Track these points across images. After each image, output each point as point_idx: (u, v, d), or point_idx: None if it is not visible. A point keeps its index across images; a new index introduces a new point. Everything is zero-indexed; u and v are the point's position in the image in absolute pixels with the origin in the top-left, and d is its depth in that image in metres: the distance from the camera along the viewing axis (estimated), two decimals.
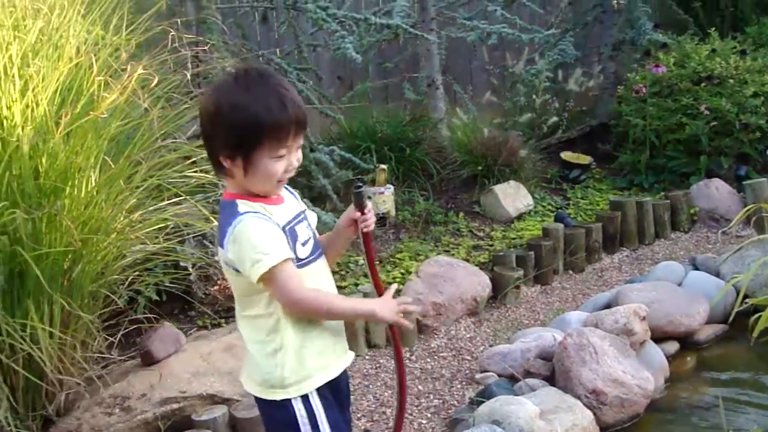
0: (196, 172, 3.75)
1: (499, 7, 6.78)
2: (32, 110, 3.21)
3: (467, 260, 5.17)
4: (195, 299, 4.25)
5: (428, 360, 4.32)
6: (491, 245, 5.52)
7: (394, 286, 2.50)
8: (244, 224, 2.17)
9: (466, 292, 4.77)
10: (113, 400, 3.48)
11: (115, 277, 3.66)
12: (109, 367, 3.76)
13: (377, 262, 5.02)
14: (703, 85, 6.61)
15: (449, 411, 3.79)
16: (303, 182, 5.03)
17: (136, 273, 3.75)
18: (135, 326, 3.79)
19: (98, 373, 3.56)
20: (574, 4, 8.00)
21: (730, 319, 4.11)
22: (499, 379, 3.85)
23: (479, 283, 4.87)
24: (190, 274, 4.15)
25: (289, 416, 2.28)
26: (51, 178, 3.24)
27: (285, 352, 2.26)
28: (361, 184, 2.42)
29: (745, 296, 3.98)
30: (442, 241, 5.51)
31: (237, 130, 2.16)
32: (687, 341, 4.33)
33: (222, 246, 2.23)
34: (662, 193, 6.42)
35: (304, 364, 2.28)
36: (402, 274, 4.90)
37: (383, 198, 5.58)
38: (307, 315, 2.29)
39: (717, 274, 4.78)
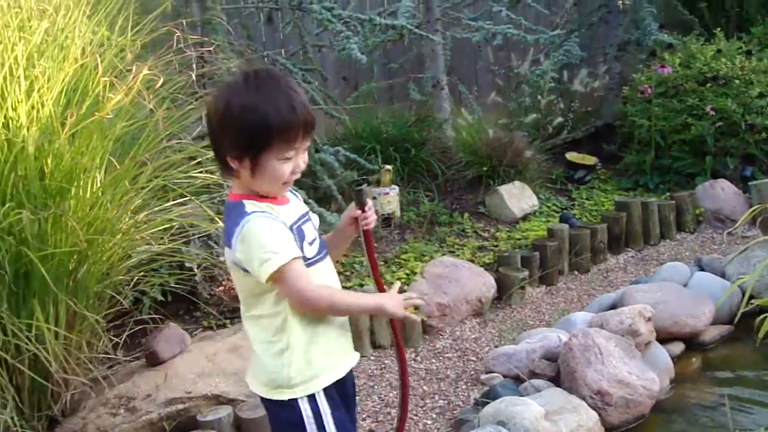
0: (201, 172, 3.76)
1: (504, 7, 6.78)
2: (38, 111, 3.22)
3: (472, 261, 5.17)
4: (200, 300, 4.26)
5: (433, 361, 4.32)
6: (496, 246, 5.52)
7: (398, 283, 2.51)
8: (252, 223, 2.17)
9: (471, 292, 4.77)
10: (118, 400, 3.49)
11: (121, 277, 3.66)
12: (115, 367, 3.76)
13: (382, 263, 5.03)
14: (708, 85, 6.60)
15: (454, 412, 3.78)
16: (308, 183, 5.03)
17: (142, 274, 3.76)
18: (140, 327, 3.80)
19: (103, 374, 3.56)
20: (579, 4, 7.99)
21: (736, 319, 4.10)
22: (504, 380, 3.85)
23: (484, 283, 4.87)
24: (195, 275, 4.16)
25: (295, 416, 2.28)
26: (56, 178, 3.25)
27: (292, 352, 2.26)
28: (361, 183, 2.42)
29: (751, 297, 3.96)
30: (447, 241, 5.51)
31: (246, 131, 2.16)
32: (692, 342, 4.33)
33: (230, 246, 2.23)
34: (667, 194, 6.41)
35: (312, 364, 2.28)
36: (407, 274, 4.89)
37: (388, 198, 5.57)
38: (317, 312, 2.30)
39: (722, 275, 4.78)
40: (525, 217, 5.96)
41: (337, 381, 2.35)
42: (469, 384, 4.05)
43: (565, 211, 6.15)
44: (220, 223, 3.79)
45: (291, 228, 2.26)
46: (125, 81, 3.40)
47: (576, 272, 5.49)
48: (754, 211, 4.30)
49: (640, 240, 5.89)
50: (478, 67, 8.01)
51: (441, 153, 6.40)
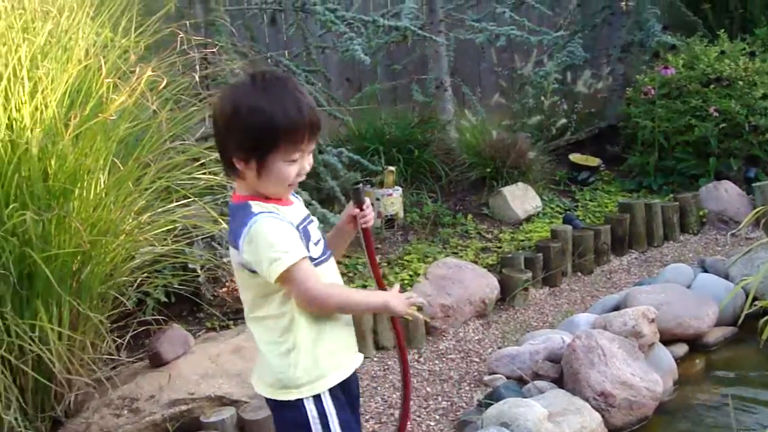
0: (204, 174, 3.76)
1: (507, 9, 6.78)
2: (41, 112, 3.22)
3: (475, 262, 5.17)
4: (203, 301, 4.26)
5: (436, 362, 4.32)
6: (499, 247, 5.51)
7: (398, 285, 2.53)
8: (260, 224, 2.18)
9: (475, 294, 4.77)
10: (122, 401, 3.49)
11: (124, 278, 3.67)
12: (118, 368, 3.76)
13: (385, 264, 5.03)
14: (712, 86, 6.60)
15: (457, 413, 3.78)
16: (311, 184, 5.04)
17: (145, 275, 3.76)
18: (144, 328, 3.80)
19: (107, 375, 3.56)
20: (582, 5, 7.99)
21: (740, 321, 4.09)
22: (507, 381, 3.84)
23: (487, 285, 4.87)
24: (198, 276, 4.16)
25: (300, 416, 2.29)
26: (60, 180, 3.25)
27: (298, 352, 2.27)
28: (359, 181, 2.44)
29: (755, 298, 3.96)
30: (450, 243, 5.51)
31: (253, 133, 2.17)
32: (696, 343, 4.32)
33: (237, 247, 2.24)
34: (671, 195, 6.40)
35: (318, 364, 2.29)
36: (410, 275, 4.89)
37: (391, 200, 5.58)
38: (325, 311, 2.31)
39: (726, 277, 4.77)
40: (528, 219, 5.96)
41: (343, 381, 2.35)
42: (472, 385, 4.05)
43: (568, 212, 6.15)
44: (224, 225, 3.79)
45: (297, 228, 2.27)
46: (129, 82, 3.40)
47: (579, 274, 5.49)
48: (757, 212, 4.30)
49: (644, 241, 5.88)
50: (481, 69, 8.01)
51: (444, 154, 6.40)
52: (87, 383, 3.41)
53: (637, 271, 5.50)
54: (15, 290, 3.17)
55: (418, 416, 3.78)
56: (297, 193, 2.52)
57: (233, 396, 3.56)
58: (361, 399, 3.31)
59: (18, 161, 3.14)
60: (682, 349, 4.25)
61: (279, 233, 2.19)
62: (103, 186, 3.44)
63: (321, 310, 2.30)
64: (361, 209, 2.45)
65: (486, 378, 3.98)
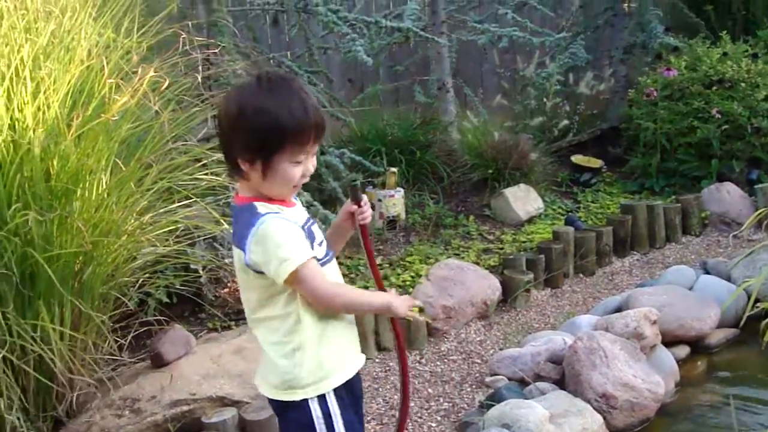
0: (206, 174, 3.76)
1: (509, 10, 6.79)
2: (44, 113, 3.22)
3: (477, 263, 5.17)
4: (205, 301, 4.26)
5: (438, 363, 4.32)
6: (501, 248, 5.51)
7: (394, 290, 2.55)
8: (267, 224, 2.19)
9: (476, 295, 4.77)
10: (123, 401, 3.49)
11: (126, 279, 3.67)
12: (120, 368, 3.76)
13: (387, 265, 5.03)
14: (714, 88, 6.60)
15: (459, 414, 3.78)
16: (313, 185, 5.04)
17: (147, 275, 3.77)
18: (145, 328, 3.81)
19: (108, 375, 3.57)
20: (585, 7, 7.99)
21: (742, 323, 4.10)
22: (509, 383, 3.84)
23: (489, 286, 4.87)
24: (200, 277, 4.16)
25: (305, 417, 2.29)
26: (62, 180, 3.26)
27: (304, 352, 2.27)
28: (356, 178, 2.45)
29: (757, 300, 3.97)
30: (452, 244, 5.51)
31: (259, 134, 2.17)
32: (698, 345, 4.31)
33: (242, 248, 2.23)
34: (673, 197, 6.40)
35: (323, 364, 2.30)
36: (412, 277, 4.90)
37: (393, 201, 5.58)
38: (332, 310, 2.32)
39: (728, 278, 4.77)
40: (530, 220, 5.96)
41: (346, 382, 2.36)
42: (473, 387, 4.04)
43: (570, 213, 6.15)
44: (226, 225, 3.80)
45: (302, 228, 2.28)
46: (131, 83, 3.41)
47: (581, 275, 5.49)
48: (759, 214, 4.31)
49: (646, 243, 5.88)
50: (483, 70, 8.02)
51: (446, 155, 6.40)
52: (88, 383, 3.41)
53: (639, 273, 5.50)
54: (17, 290, 3.18)
55: (420, 417, 3.78)
56: (298, 194, 2.52)
57: (235, 396, 3.56)
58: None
59: (20, 161, 3.15)
60: (683, 350, 4.24)
61: (287, 233, 2.20)
62: (105, 186, 3.44)
63: (327, 310, 2.31)
64: (359, 206, 2.45)
65: (487, 379, 3.98)
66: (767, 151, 6.53)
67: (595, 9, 7.92)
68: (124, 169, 3.42)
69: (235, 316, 4.26)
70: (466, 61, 7.74)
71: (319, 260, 2.30)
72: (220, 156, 3.66)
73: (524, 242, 5.61)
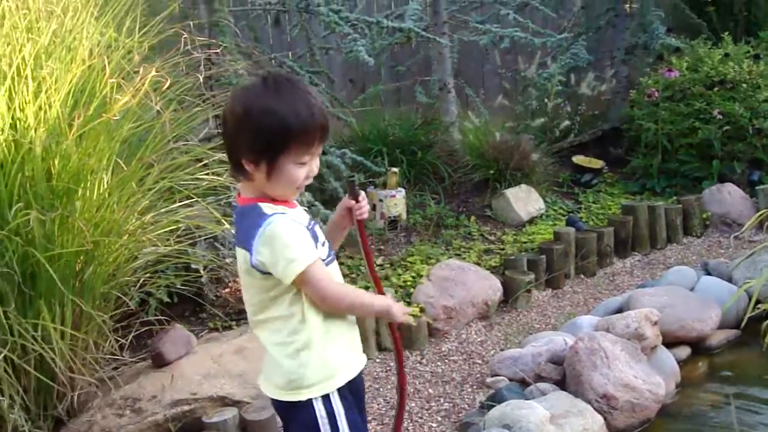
0: (207, 174, 3.76)
1: (511, 11, 6.78)
2: (45, 112, 3.23)
3: (478, 264, 5.17)
4: (206, 301, 4.26)
5: (439, 363, 4.32)
6: (502, 249, 5.51)
7: (390, 295, 2.57)
8: (274, 225, 2.19)
9: (477, 295, 4.77)
10: (124, 401, 3.49)
11: (127, 278, 3.67)
12: (121, 368, 3.77)
13: (389, 265, 5.03)
14: (716, 89, 6.60)
15: (460, 415, 3.78)
16: (315, 185, 5.03)
17: (148, 275, 3.77)
18: (146, 328, 3.81)
19: (109, 375, 3.57)
20: (586, 8, 7.99)
21: (743, 324, 4.11)
22: (509, 383, 3.84)
23: (490, 286, 4.87)
24: (201, 277, 4.16)
25: (310, 416, 2.30)
26: (63, 179, 3.26)
27: (309, 352, 2.28)
28: (354, 174, 2.46)
29: (758, 301, 3.97)
30: (453, 244, 5.51)
31: (265, 134, 2.17)
32: (699, 346, 4.31)
33: (248, 249, 2.23)
34: (674, 198, 6.41)
35: (327, 364, 2.31)
36: (413, 277, 4.90)
37: (395, 201, 5.58)
38: (339, 311, 2.34)
39: (729, 279, 4.77)
40: (531, 221, 5.96)
41: (349, 382, 2.37)
42: (474, 387, 4.04)
43: (571, 214, 6.15)
44: (227, 225, 3.80)
45: (307, 229, 2.29)
46: (132, 83, 3.41)
47: (582, 276, 5.49)
48: (761, 215, 4.31)
49: (647, 244, 5.88)
50: (485, 70, 8.02)
51: (447, 156, 6.40)
52: (89, 383, 3.41)
53: (640, 274, 5.50)
54: (18, 290, 3.18)
55: (420, 418, 3.78)
56: (299, 194, 2.53)
57: (235, 396, 3.56)
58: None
59: (22, 161, 3.15)
60: (684, 351, 4.24)
61: (294, 234, 2.21)
62: (106, 186, 3.44)
63: (335, 310, 2.33)
64: (357, 201, 2.47)
65: (488, 380, 3.98)
66: None
67: (597, 10, 7.92)
68: (125, 168, 3.43)
69: (236, 316, 4.26)
70: (468, 62, 7.74)
71: (323, 260, 2.31)
72: (221, 156, 3.67)
73: (525, 243, 5.61)
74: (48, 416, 3.39)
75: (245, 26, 6.23)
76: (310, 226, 2.32)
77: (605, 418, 3.51)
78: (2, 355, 3.08)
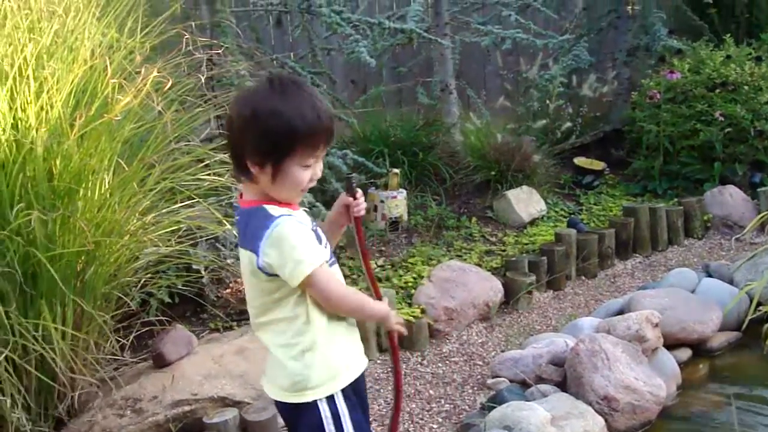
0: (209, 175, 3.76)
1: (513, 12, 6.78)
2: (47, 112, 3.23)
3: (479, 265, 5.17)
4: (207, 302, 4.26)
5: (440, 365, 4.32)
6: (504, 250, 5.51)
7: (386, 299, 2.57)
8: (282, 227, 2.19)
9: (479, 297, 4.77)
10: (125, 401, 3.49)
11: (128, 279, 3.67)
12: (121, 368, 3.77)
13: (390, 266, 5.03)
14: (717, 91, 6.59)
15: (460, 416, 3.78)
16: (316, 186, 4.99)
17: (149, 275, 3.77)
18: (147, 328, 3.81)
19: (110, 375, 3.57)
20: (588, 9, 7.99)
21: (744, 326, 4.10)
22: (510, 385, 3.84)
23: (491, 288, 4.87)
24: (202, 277, 4.16)
25: (315, 417, 2.30)
26: (65, 180, 3.26)
27: (313, 353, 2.29)
28: (351, 172, 2.46)
29: (759, 304, 3.96)
30: (454, 245, 5.50)
31: (272, 137, 2.17)
32: (700, 348, 4.31)
33: (255, 252, 2.22)
34: (676, 200, 6.41)
35: (332, 364, 2.32)
36: (414, 278, 4.89)
37: (396, 202, 5.58)
38: (341, 313, 2.35)
39: (730, 282, 4.77)
40: (533, 222, 5.96)
41: (352, 382, 2.38)
42: (475, 388, 4.04)
43: (572, 216, 6.15)
44: (228, 226, 3.80)
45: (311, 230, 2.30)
46: (134, 83, 3.41)
47: (583, 277, 5.49)
48: (762, 217, 4.30)
49: (648, 246, 5.88)
50: (486, 72, 8.02)
51: (449, 157, 6.40)
52: (90, 383, 3.41)
53: (641, 276, 5.50)
54: (20, 289, 3.18)
55: (421, 419, 3.78)
56: None
57: (236, 397, 3.56)
58: None
59: (23, 161, 3.15)
60: (685, 353, 4.24)
61: (302, 236, 2.22)
62: (107, 186, 3.45)
63: (335, 312, 2.34)
64: (355, 198, 2.47)
65: (489, 381, 3.98)
66: None
67: (599, 11, 7.92)
68: (126, 169, 3.43)
69: (237, 316, 4.26)
70: (469, 63, 7.74)
71: (326, 262, 2.31)
72: (222, 156, 3.68)
73: (526, 244, 5.61)
74: (49, 416, 3.39)
75: (247, 27, 6.22)
76: (313, 228, 2.32)
77: (606, 420, 3.51)
78: (3, 355, 3.08)
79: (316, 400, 2.29)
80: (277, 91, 2.21)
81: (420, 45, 7.18)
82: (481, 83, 7.88)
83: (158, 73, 3.47)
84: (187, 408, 3.48)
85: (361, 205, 2.48)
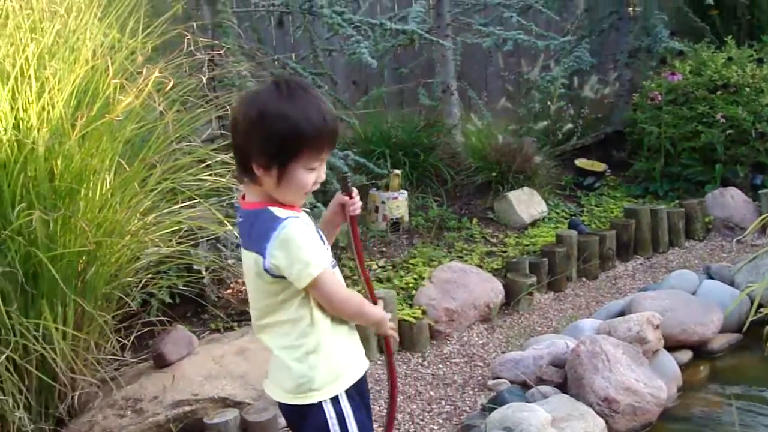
0: (210, 175, 3.76)
1: (514, 13, 6.78)
2: (48, 112, 3.23)
3: (480, 266, 5.16)
4: (208, 302, 4.26)
5: (440, 366, 4.31)
6: (504, 251, 5.51)
7: (381, 302, 2.59)
8: (289, 229, 2.19)
9: (479, 298, 4.77)
10: (125, 401, 3.49)
11: (129, 279, 3.67)
12: (122, 369, 3.77)
13: (390, 267, 5.03)
14: (719, 93, 6.59)
15: (461, 417, 3.78)
16: (317, 187, 5.03)
17: (150, 275, 3.77)
18: (148, 329, 3.81)
19: (111, 375, 3.58)
20: (590, 11, 7.99)
21: (744, 328, 4.10)
22: (511, 386, 3.84)
23: (492, 289, 4.87)
24: (203, 277, 4.16)
25: (321, 418, 2.31)
26: (66, 180, 3.26)
27: (317, 355, 2.29)
28: (347, 171, 2.47)
29: (760, 305, 3.96)
30: (455, 246, 5.50)
31: (278, 139, 2.17)
32: (700, 350, 4.31)
33: (262, 253, 2.21)
34: (677, 201, 6.40)
35: (335, 366, 2.32)
36: (415, 279, 4.89)
37: (397, 203, 5.58)
38: (342, 315, 2.36)
39: (731, 283, 4.76)
40: (534, 223, 5.96)
41: (355, 383, 2.38)
42: (476, 389, 4.04)
43: (573, 217, 6.14)
44: (229, 226, 3.80)
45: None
46: (136, 83, 3.41)
47: (584, 279, 5.49)
48: (763, 219, 4.29)
49: (649, 247, 5.88)
50: (488, 73, 8.02)
51: (450, 158, 6.40)
52: (91, 383, 3.41)
53: (642, 277, 5.49)
54: (21, 289, 3.18)
55: (422, 420, 3.78)
56: None
57: (237, 397, 3.56)
58: None
59: (25, 161, 3.15)
60: (686, 355, 4.24)
61: (309, 238, 2.22)
62: (109, 186, 3.45)
63: (337, 314, 2.34)
64: (350, 197, 2.47)
65: (490, 382, 3.98)
66: None
67: (600, 13, 7.91)
68: (128, 169, 3.43)
69: (237, 317, 4.26)
70: (471, 64, 7.74)
71: None
72: (224, 157, 3.68)
73: (527, 245, 5.61)
74: (49, 416, 3.39)
75: (248, 27, 6.22)
76: (316, 230, 2.33)
77: (606, 422, 3.51)
78: (5, 355, 3.08)
79: (320, 402, 2.30)
80: (284, 93, 2.20)
81: (421, 46, 7.19)
82: (482, 84, 7.88)
83: (160, 73, 3.47)
84: (187, 408, 3.48)
85: (356, 204, 2.48)
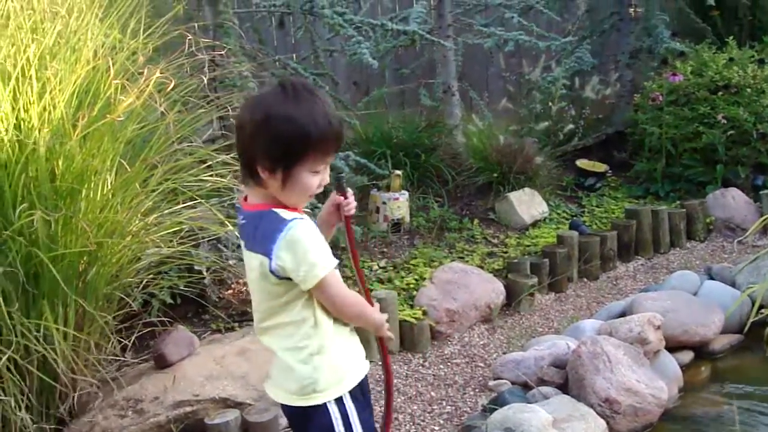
0: (211, 176, 3.76)
1: (516, 14, 6.78)
2: (49, 113, 3.23)
3: (481, 267, 5.16)
4: (209, 303, 4.26)
5: (441, 366, 4.31)
6: (506, 252, 5.51)
7: (378, 304, 2.57)
8: (296, 230, 2.18)
9: (480, 298, 4.76)
10: (126, 402, 3.49)
11: (130, 279, 3.67)
12: (123, 369, 3.77)
13: (392, 267, 5.03)
14: (720, 94, 6.59)
15: (462, 418, 3.78)
16: (321, 190, 5.02)
17: (151, 276, 3.77)
18: (149, 329, 3.81)
19: (112, 375, 3.57)
20: (591, 11, 7.99)
21: (746, 329, 4.10)
22: (512, 387, 3.84)
23: (493, 290, 4.87)
24: (204, 278, 4.16)
25: (325, 419, 2.31)
26: (67, 180, 3.26)
27: (322, 356, 2.29)
28: (342, 171, 2.46)
29: (761, 306, 3.96)
30: (456, 247, 5.50)
31: (284, 142, 2.16)
32: (701, 351, 4.31)
33: (268, 255, 2.20)
34: (678, 202, 6.40)
35: (340, 366, 2.33)
36: (416, 280, 4.89)
37: (398, 204, 5.58)
38: (346, 318, 2.36)
39: (732, 284, 4.76)
40: (535, 224, 5.96)
41: (359, 383, 2.39)
42: (477, 390, 4.04)
43: (574, 218, 6.14)
44: (230, 227, 3.80)
45: None
46: (137, 84, 3.41)
47: (585, 279, 5.48)
48: (765, 220, 4.30)
49: (650, 248, 5.88)
50: (489, 73, 8.02)
51: (451, 159, 6.40)
52: (91, 384, 3.41)
53: (643, 278, 5.49)
54: (22, 290, 3.18)
55: (423, 420, 3.77)
56: None
57: (238, 398, 3.56)
58: None
59: (26, 161, 3.15)
60: (687, 356, 4.24)
61: (316, 239, 2.22)
62: (110, 187, 3.45)
63: (347, 317, 2.36)
64: (345, 197, 2.47)
65: (491, 383, 3.98)
66: None
67: (602, 13, 7.92)
68: (129, 169, 3.43)
69: (238, 317, 4.26)
70: (472, 65, 7.74)
71: None
72: (225, 158, 3.68)
73: (528, 246, 5.61)
74: (50, 416, 3.39)
75: (250, 28, 6.23)
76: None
77: (608, 423, 3.51)
78: (6, 356, 3.08)
79: (325, 403, 2.30)
80: (290, 96, 2.19)
81: (423, 47, 7.19)
82: (483, 85, 7.88)
83: (161, 74, 3.47)
84: (188, 409, 3.48)
85: (351, 203, 2.49)
